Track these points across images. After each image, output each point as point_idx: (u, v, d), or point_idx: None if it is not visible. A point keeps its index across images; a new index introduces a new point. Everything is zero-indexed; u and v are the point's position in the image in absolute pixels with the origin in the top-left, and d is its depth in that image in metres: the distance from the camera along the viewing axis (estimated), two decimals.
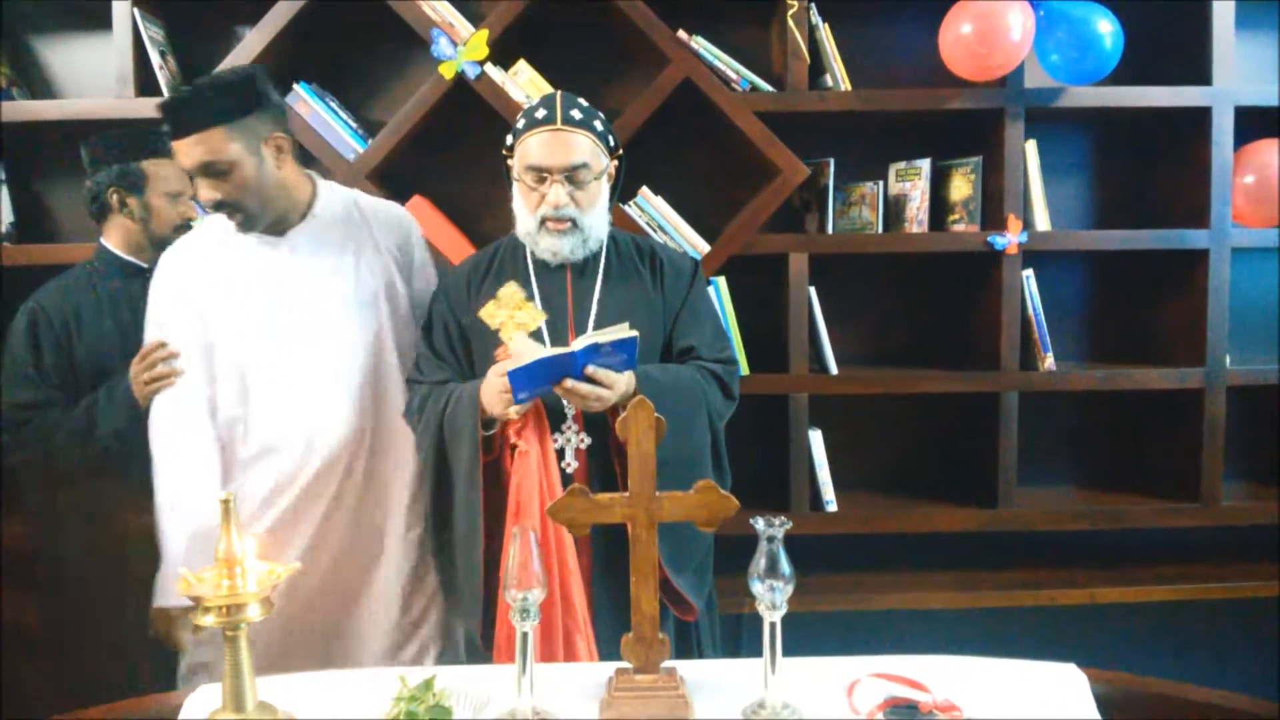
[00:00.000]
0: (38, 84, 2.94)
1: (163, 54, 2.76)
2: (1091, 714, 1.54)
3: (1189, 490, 2.92)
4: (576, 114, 2.09)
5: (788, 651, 1.54)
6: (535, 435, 2.03)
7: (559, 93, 2.14)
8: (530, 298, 2.05)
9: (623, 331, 1.91)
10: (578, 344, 1.90)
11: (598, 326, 2.11)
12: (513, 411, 1.97)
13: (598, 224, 2.13)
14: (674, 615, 2.11)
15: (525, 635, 1.49)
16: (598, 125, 2.11)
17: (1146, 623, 3.00)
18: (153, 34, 2.73)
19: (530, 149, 2.07)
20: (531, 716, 1.49)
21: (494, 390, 1.96)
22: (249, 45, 2.66)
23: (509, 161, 2.16)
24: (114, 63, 2.70)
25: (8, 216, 2.84)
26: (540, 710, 1.51)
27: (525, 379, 1.89)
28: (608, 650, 1.97)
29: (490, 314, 2.00)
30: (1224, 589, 2.87)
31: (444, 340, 2.21)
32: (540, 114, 2.08)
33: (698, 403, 2.11)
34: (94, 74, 2.90)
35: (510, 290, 2.01)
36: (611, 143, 2.15)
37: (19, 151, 2.88)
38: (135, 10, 2.67)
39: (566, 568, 2.02)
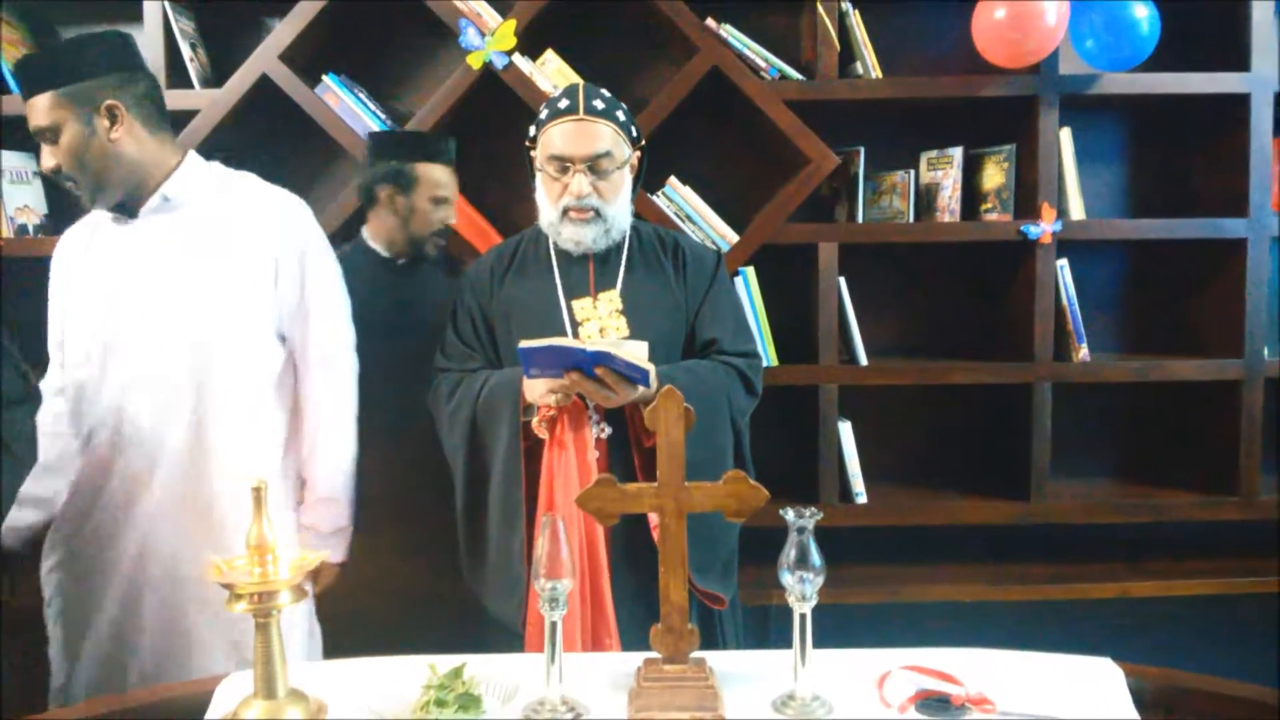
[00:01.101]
0: None
1: (193, 46, 2.78)
2: (1128, 709, 1.51)
3: (1226, 483, 2.87)
4: (599, 104, 2.09)
5: (818, 643, 1.53)
6: (572, 427, 2.04)
7: (581, 83, 2.15)
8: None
9: (639, 358, 1.91)
10: (593, 345, 1.90)
11: (625, 312, 2.12)
12: (553, 399, 1.98)
13: (620, 214, 2.14)
14: (698, 603, 2.10)
15: (554, 625, 1.49)
16: (620, 116, 2.12)
17: (1183, 617, 2.97)
18: (183, 26, 2.75)
19: (553, 139, 2.08)
20: (560, 705, 1.49)
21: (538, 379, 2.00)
22: (278, 36, 2.67)
23: (532, 153, 2.17)
24: (145, 55, 2.69)
25: (41, 209, 2.87)
26: (569, 699, 1.51)
27: (535, 358, 1.91)
28: (629, 642, 1.97)
29: (585, 310, 2.10)
30: (1262, 583, 2.82)
31: (470, 329, 2.22)
32: (563, 104, 2.09)
33: (721, 404, 2.11)
34: None
35: (610, 297, 2.12)
36: (634, 134, 2.16)
37: None
38: (166, 2, 2.69)
39: (598, 564, 2.02)
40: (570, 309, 2.14)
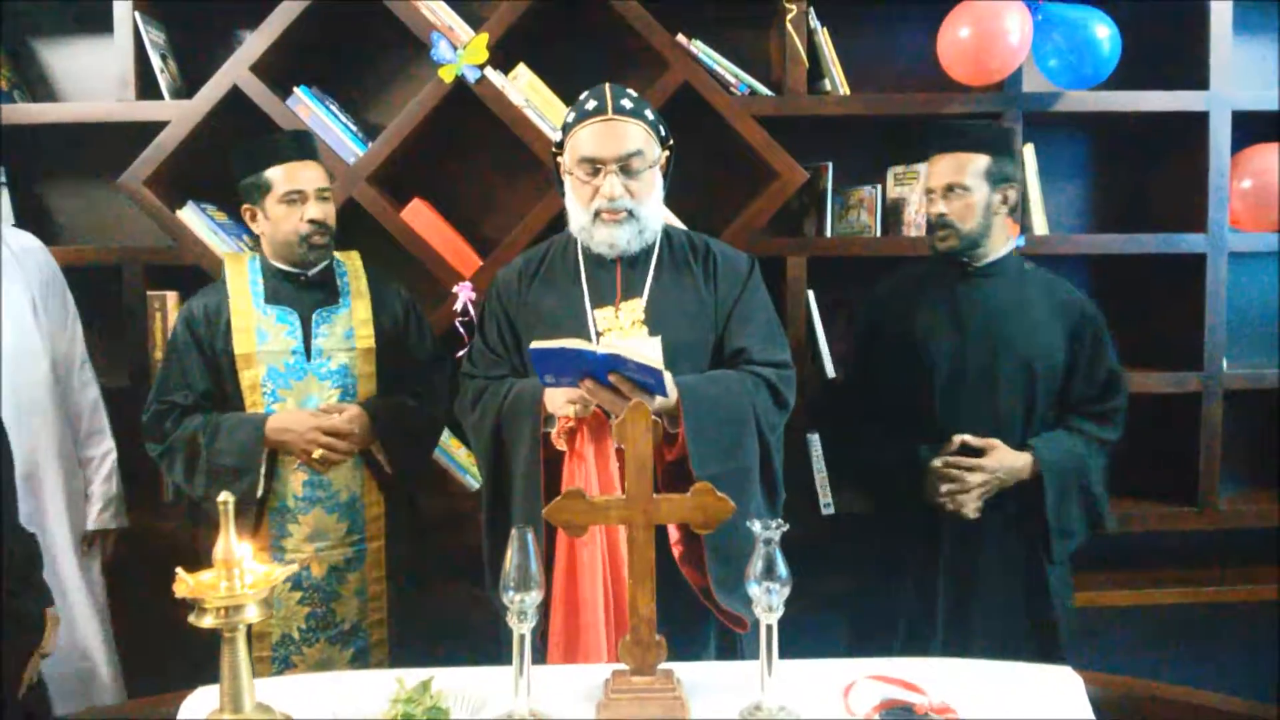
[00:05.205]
0: (39, 87, 2.94)
1: (163, 57, 2.77)
2: (1087, 717, 1.54)
3: (1187, 494, 2.92)
4: (627, 103, 2.05)
5: (784, 654, 1.54)
6: (592, 439, 1.99)
7: (608, 84, 2.09)
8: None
9: (651, 359, 1.85)
10: (603, 347, 1.87)
11: (648, 322, 2.08)
12: (573, 411, 1.95)
13: (653, 214, 2.09)
14: (717, 623, 2.02)
15: (523, 637, 1.49)
16: (648, 114, 2.08)
17: (1144, 626, 3.01)
18: (154, 37, 2.74)
19: (582, 141, 2.04)
20: (528, 718, 1.50)
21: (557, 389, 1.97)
22: (250, 48, 2.67)
23: (559, 159, 2.13)
24: (115, 65, 2.72)
25: (10, 219, 2.85)
26: (537, 711, 1.52)
27: (548, 362, 1.88)
28: None
29: (607, 320, 2.07)
30: (1221, 593, 2.87)
31: (497, 336, 2.18)
32: (591, 105, 2.05)
33: (747, 416, 2.02)
34: (95, 77, 2.91)
35: (633, 306, 2.08)
36: (662, 133, 2.12)
37: (21, 155, 2.88)
38: (136, 13, 2.68)
39: (621, 578, 1.94)
40: (593, 318, 2.10)
